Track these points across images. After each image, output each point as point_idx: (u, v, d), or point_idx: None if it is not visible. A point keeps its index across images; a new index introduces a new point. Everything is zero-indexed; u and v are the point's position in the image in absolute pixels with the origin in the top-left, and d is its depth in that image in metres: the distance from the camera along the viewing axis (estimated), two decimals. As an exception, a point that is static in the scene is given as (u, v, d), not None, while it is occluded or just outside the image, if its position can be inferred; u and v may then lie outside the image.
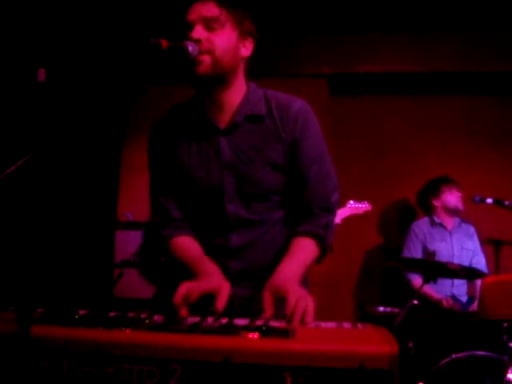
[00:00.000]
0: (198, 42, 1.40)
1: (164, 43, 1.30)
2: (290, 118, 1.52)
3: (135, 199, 3.98)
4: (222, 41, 1.43)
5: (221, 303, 1.31)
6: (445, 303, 3.40)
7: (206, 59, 1.42)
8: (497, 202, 3.41)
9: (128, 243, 3.68)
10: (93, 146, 3.78)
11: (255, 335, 0.96)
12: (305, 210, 1.55)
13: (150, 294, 3.10)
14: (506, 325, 2.39)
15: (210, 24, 1.43)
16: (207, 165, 1.53)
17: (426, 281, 2.76)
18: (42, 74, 3.35)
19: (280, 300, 1.29)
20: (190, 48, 1.38)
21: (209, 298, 1.32)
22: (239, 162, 1.51)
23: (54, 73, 3.34)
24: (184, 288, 1.31)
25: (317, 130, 1.57)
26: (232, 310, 1.36)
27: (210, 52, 1.42)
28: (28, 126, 3.11)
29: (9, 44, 3.35)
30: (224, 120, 1.53)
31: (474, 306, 3.47)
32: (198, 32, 1.42)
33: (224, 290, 1.35)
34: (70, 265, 3.49)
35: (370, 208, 3.76)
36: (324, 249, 1.53)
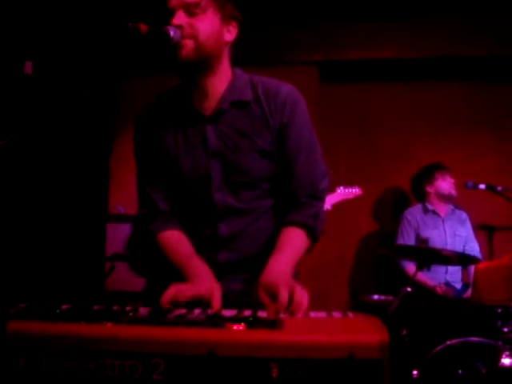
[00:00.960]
0: (179, 28, 1.37)
1: (143, 28, 1.26)
2: (278, 103, 1.48)
3: (127, 192, 3.91)
4: (204, 26, 1.40)
5: (215, 307, 1.27)
6: (438, 290, 3.40)
7: (189, 43, 1.38)
8: (489, 187, 3.40)
9: (119, 236, 3.64)
10: (83, 138, 3.74)
11: (241, 327, 0.93)
12: (293, 198, 1.51)
13: (142, 287, 3.07)
14: (499, 310, 2.39)
15: (190, 9, 1.39)
16: (194, 153, 1.49)
17: (419, 268, 2.76)
18: (28, 67, 3.30)
19: (273, 297, 1.25)
20: (172, 32, 1.34)
21: (198, 301, 1.28)
22: (226, 150, 1.47)
23: (41, 65, 3.29)
24: (173, 290, 1.26)
25: (305, 116, 1.53)
26: (224, 303, 1.33)
27: (193, 37, 1.39)
28: (15, 119, 3.06)
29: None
30: (210, 107, 1.49)
31: (469, 293, 3.47)
32: (179, 18, 1.38)
33: (216, 294, 1.31)
34: (60, 258, 3.46)
35: (360, 193, 3.71)
36: (314, 238, 1.50)
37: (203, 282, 1.36)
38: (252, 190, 1.49)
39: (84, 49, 3.41)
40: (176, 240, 1.51)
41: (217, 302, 1.28)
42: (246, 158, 1.46)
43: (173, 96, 1.56)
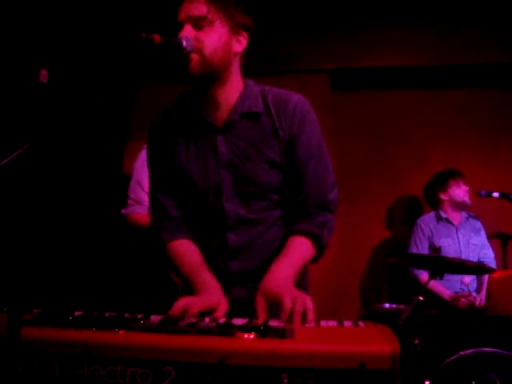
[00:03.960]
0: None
1: (157, 38, 1.28)
2: (287, 114, 1.49)
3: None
4: (210, 39, 1.41)
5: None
6: (460, 295, 3.35)
7: (195, 57, 1.39)
8: (503, 195, 3.36)
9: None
10: (95, 146, 3.77)
11: (251, 336, 0.93)
12: (302, 208, 1.52)
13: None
14: (514, 320, 2.36)
15: (198, 23, 1.41)
16: (205, 163, 1.51)
17: (431, 277, 2.73)
18: (44, 75, 3.34)
19: (275, 305, 1.25)
20: (185, 43, 1.36)
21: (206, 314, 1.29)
22: (236, 160, 1.48)
23: (57, 74, 3.33)
24: (182, 303, 1.27)
25: (314, 126, 1.54)
26: (232, 311, 1.33)
27: (199, 51, 1.40)
28: (30, 127, 3.10)
29: (10, 45, 3.34)
30: (221, 117, 1.50)
31: (483, 302, 3.41)
32: (187, 32, 1.40)
33: (222, 307, 1.32)
34: (71, 266, 3.48)
35: None
36: (320, 248, 1.50)
37: (212, 295, 1.37)
38: (261, 200, 1.50)
39: (98, 57, 3.45)
40: (185, 250, 1.52)
41: (220, 315, 1.29)
42: (255, 169, 1.47)
43: (183, 106, 1.57)
